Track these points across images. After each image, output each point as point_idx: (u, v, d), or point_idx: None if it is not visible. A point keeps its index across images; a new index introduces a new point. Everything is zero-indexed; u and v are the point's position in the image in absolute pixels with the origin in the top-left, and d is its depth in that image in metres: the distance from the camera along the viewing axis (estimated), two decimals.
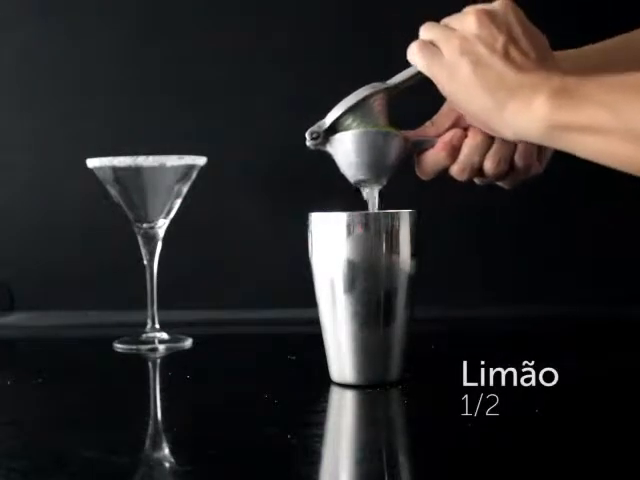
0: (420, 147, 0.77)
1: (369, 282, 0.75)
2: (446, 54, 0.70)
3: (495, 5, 0.70)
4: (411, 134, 0.77)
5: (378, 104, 0.76)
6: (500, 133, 0.70)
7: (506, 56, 0.68)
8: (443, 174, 0.77)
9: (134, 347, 0.97)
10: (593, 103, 0.62)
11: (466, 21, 0.70)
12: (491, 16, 0.69)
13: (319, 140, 0.77)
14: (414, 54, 0.73)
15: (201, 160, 0.97)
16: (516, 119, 0.66)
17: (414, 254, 0.76)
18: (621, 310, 1.11)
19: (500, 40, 0.68)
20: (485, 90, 0.68)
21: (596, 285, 1.15)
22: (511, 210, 1.16)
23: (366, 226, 0.75)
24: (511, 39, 0.69)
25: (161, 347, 0.97)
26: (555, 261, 1.18)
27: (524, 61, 0.68)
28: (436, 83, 0.72)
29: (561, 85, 0.64)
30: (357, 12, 1.18)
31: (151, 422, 0.71)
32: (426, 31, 0.73)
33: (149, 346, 0.97)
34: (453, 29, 0.71)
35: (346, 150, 0.76)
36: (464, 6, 0.73)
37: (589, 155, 0.64)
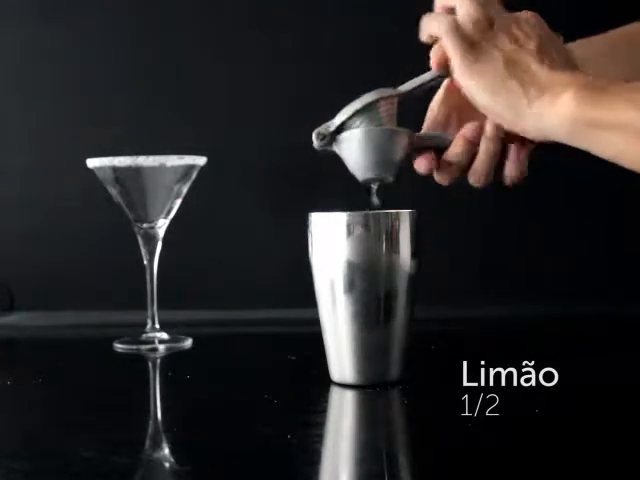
0: (427, 142, 0.76)
1: (369, 282, 0.75)
2: (481, 46, 0.70)
3: (527, 15, 0.72)
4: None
5: (387, 109, 0.75)
6: (523, 129, 0.70)
7: (539, 55, 0.69)
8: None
9: (134, 347, 0.97)
10: (620, 100, 0.64)
11: (502, 22, 0.71)
12: (524, 22, 0.71)
13: (326, 141, 0.77)
14: (449, 36, 0.71)
15: (201, 160, 0.97)
16: (542, 115, 0.67)
17: (414, 254, 0.76)
18: (622, 310, 1.11)
19: (533, 42, 0.70)
20: (515, 84, 0.68)
21: (596, 285, 1.15)
22: (511, 210, 1.16)
23: (366, 226, 0.75)
24: (542, 43, 0.70)
25: (161, 347, 0.97)
26: (555, 261, 1.18)
27: (554, 63, 0.69)
28: (461, 76, 0.71)
29: (589, 83, 0.66)
30: (358, 12, 1.18)
31: (151, 422, 0.71)
32: (465, 19, 0.72)
33: (149, 346, 0.97)
34: (490, 27, 0.71)
35: (353, 149, 0.76)
36: None
37: (612, 154, 0.65)
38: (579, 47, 0.79)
